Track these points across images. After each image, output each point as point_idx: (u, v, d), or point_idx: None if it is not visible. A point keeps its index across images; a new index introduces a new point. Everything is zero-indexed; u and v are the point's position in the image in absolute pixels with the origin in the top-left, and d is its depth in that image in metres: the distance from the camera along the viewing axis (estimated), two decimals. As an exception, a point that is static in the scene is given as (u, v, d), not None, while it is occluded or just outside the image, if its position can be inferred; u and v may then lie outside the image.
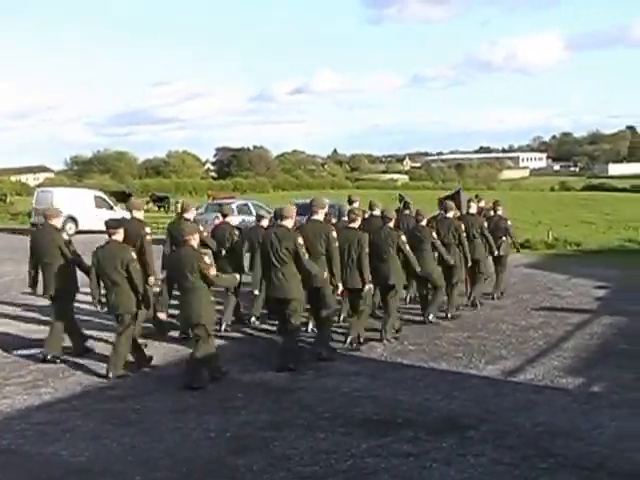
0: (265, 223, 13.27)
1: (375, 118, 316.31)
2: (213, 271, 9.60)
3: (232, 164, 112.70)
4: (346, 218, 12.35)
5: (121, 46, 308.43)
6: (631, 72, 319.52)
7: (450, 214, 14.15)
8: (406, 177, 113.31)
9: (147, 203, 54.62)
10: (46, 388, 9.48)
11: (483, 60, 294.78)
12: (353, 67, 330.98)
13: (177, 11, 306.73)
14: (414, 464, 6.82)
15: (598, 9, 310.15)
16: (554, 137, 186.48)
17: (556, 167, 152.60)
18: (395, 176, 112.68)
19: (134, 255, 10.16)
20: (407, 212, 14.27)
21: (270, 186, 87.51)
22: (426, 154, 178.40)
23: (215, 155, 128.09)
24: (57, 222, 11.26)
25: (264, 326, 12.96)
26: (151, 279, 11.10)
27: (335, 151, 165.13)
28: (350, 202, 13.70)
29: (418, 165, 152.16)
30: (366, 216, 13.08)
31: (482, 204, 16.34)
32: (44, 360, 10.72)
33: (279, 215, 10.96)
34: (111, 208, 36.08)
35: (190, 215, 12.50)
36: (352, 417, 8.21)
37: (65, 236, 11.21)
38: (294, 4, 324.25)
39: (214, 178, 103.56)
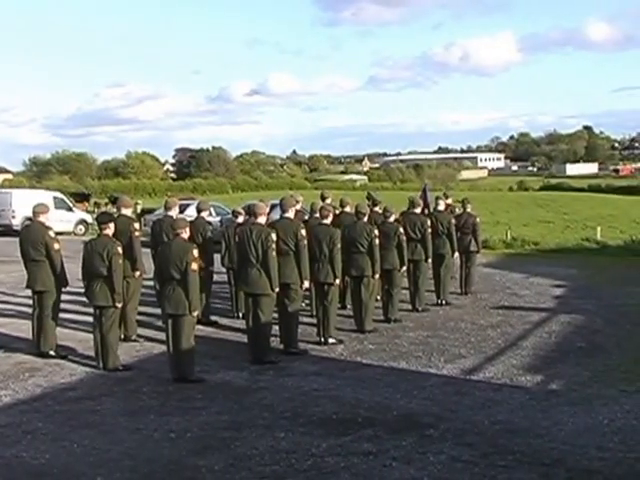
0: (241, 219, 13.51)
1: (332, 120, 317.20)
2: (195, 266, 9.64)
3: (191, 165, 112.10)
4: (317, 215, 12.49)
5: (72, 48, 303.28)
6: (582, 73, 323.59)
7: (417, 210, 14.33)
8: (365, 178, 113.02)
9: (106, 204, 54.30)
10: (6, 390, 9.37)
11: (438, 62, 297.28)
12: (309, 69, 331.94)
13: (127, 11, 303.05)
14: (374, 463, 6.85)
15: (548, 12, 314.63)
16: (512, 137, 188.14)
17: (514, 167, 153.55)
18: (354, 177, 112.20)
19: (119, 250, 10.32)
20: (376, 209, 14.36)
21: (229, 187, 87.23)
22: (384, 155, 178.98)
23: (174, 156, 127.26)
24: (44, 218, 11.24)
25: (225, 322, 13.03)
26: (137, 273, 11.59)
27: (294, 152, 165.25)
28: (323, 199, 14.05)
29: (377, 166, 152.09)
30: (337, 212, 13.50)
31: (449, 201, 16.56)
32: (43, 356, 10.85)
33: (252, 212, 11.19)
34: (70, 209, 35.77)
35: (173, 212, 12.97)
36: (312, 416, 8.22)
37: (52, 233, 11.16)
38: (248, 6, 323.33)
39: (173, 179, 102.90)
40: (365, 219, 12.61)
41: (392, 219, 13.34)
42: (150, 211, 33.27)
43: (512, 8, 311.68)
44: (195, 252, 9.74)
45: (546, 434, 7.63)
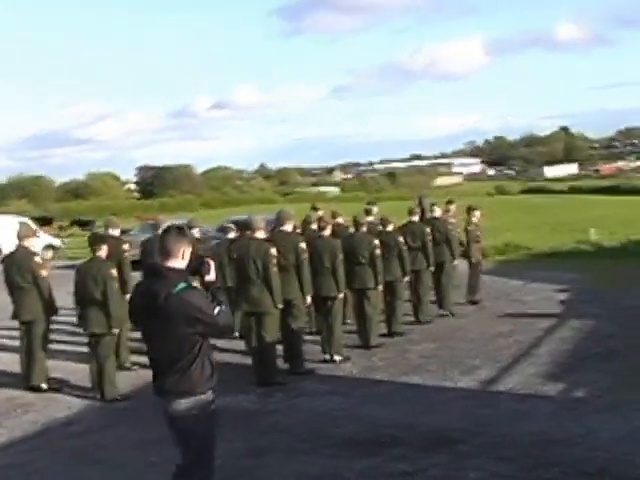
0: (232, 235, 12.95)
1: (300, 131, 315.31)
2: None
3: (155, 183, 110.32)
4: (314, 226, 12.04)
5: (22, 68, 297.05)
6: (554, 74, 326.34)
7: (415, 218, 13.94)
8: (337, 189, 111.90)
9: (71, 226, 53.48)
10: (0, 429, 8.84)
11: (405, 68, 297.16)
12: (273, 81, 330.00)
13: (78, 27, 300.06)
14: (411, 484, 6.40)
15: (514, 15, 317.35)
16: (487, 142, 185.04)
17: (490, 172, 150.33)
18: (326, 188, 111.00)
19: (114, 272, 9.86)
20: (370, 218, 13.85)
21: (198, 204, 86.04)
22: (357, 165, 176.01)
23: (136, 175, 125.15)
24: (29, 243, 10.73)
25: (221, 344, 12.48)
26: (128, 297, 10.65)
27: (262, 165, 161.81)
28: (315, 210, 13.56)
29: (350, 176, 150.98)
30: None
31: (454, 207, 16.15)
32: (34, 390, 10.29)
33: (250, 227, 10.63)
34: (34, 234, 35.05)
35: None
36: (333, 438, 7.76)
37: (38, 259, 10.65)
38: (205, 19, 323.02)
39: (137, 198, 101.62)
40: (364, 229, 12.16)
41: (390, 228, 12.89)
42: (124, 232, 32.52)
43: (478, 12, 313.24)
44: None
45: (583, 443, 7.23)
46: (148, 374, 10.66)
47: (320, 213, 13.54)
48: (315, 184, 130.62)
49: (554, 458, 6.82)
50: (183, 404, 5.13)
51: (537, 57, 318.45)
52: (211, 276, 5.30)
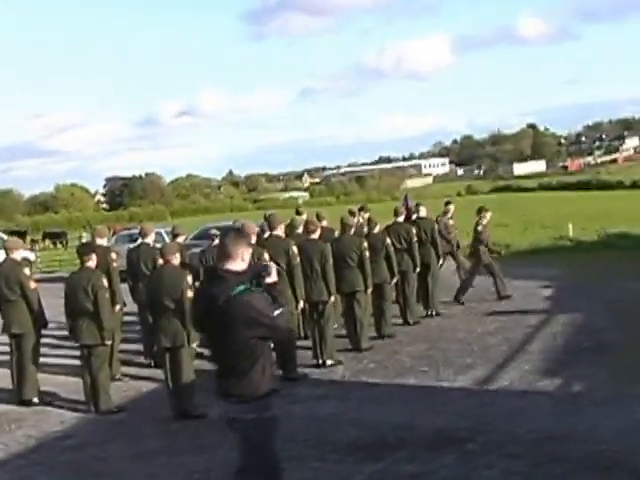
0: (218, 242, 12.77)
1: (267, 136, 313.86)
2: (191, 293, 9.01)
3: (124, 193, 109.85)
4: (300, 230, 11.96)
5: None
6: (519, 70, 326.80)
7: (400, 218, 13.86)
8: (306, 194, 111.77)
9: (43, 240, 52.92)
10: (-6, 445, 8.64)
11: (371, 68, 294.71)
12: (240, 86, 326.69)
13: (37, 35, 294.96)
14: (425, 486, 6.34)
15: (477, 12, 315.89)
16: (455, 141, 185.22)
17: (460, 172, 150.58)
18: (295, 194, 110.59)
19: (105, 282, 9.68)
20: (355, 220, 13.79)
21: (167, 213, 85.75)
22: (324, 169, 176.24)
23: (105, 186, 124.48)
24: (17, 255, 10.57)
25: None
26: (117, 307, 10.79)
27: (230, 172, 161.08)
28: (298, 214, 13.45)
29: (317, 181, 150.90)
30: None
31: (452, 208, 16.25)
32: (26, 404, 10.12)
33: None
34: (22, 246, 34.59)
35: (150, 239, 12.28)
36: (339, 443, 7.67)
37: (27, 271, 10.50)
38: (169, 24, 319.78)
39: (107, 209, 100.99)
40: (352, 232, 12.05)
41: (377, 230, 12.83)
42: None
43: (441, 10, 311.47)
44: (189, 279, 9.14)
45: (589, 438, 7.20)
46: (140, 385, 10.74)
47: (304, 217, 13.41)
48: (284, 190, 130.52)
49: (563, 454, 6.79)
50: (243, 407, 5.07)
51: (502, 53, 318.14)
52: (272, 278, 5.19)
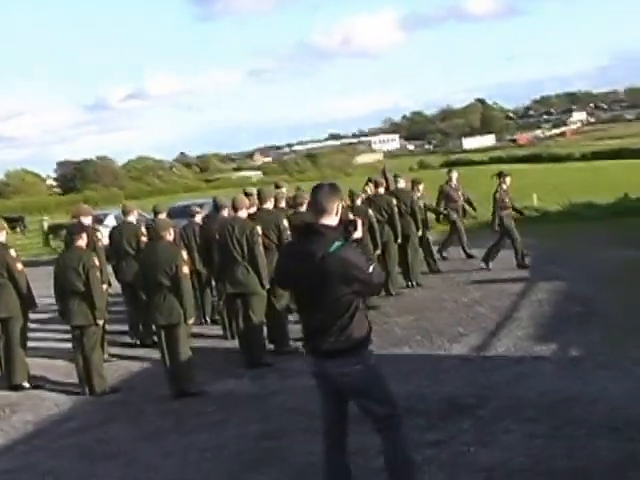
0: (198, 219, 12.64)
1: (217, 117, 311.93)
2: (186, 269, 8.87)
3: (76, 178, 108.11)
4: (284, 204, 11.86)
5: None
6: (468, 46, 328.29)
7: (381, 190, 13.80)
8: (259, 173, 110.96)
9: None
10: (-9, 431, 8.43)
11: (319, 47, 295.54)
12: (187, 67, 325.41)
13: None
14: (451, 451, 6.33)
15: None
16: (405, 117, 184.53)
17: (410, 147, 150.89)
18: (248, 173, 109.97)
19: (96, 261, 9.47)
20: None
21: (122, 196, 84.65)
22: (276, 147, 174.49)
23: (56, 170, 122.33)
24: (2, 237, 10.28)
25: (195, 330, 12.22)
26: (104, 287, 10.47)
27: (182, 154, 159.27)
28: (277, 188, 13.32)
29: (269, 159, 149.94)
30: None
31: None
32: (16, 389, 9.89)
33: (233, 206, 10.31)
34: (4, 228, 33.91)
35: (132, 218, 12.11)
36: (349, 413, 7.59)
37: (13, 252, 10.22)
38: (115, 7, 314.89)
39: (60, 194, 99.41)
40: None
41: (359, 202, 12.76)
42: (60, 227, 31.58)
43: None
44: (184, 254, 9.00)
45: (599, 399, 7.26)
46: (129, 365, 10.59)
47: (284, 190, 13.25)
48: (236, 169, 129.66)
49: (579, 416, 6.81)
50: (349, 361, 4.99)
51: (451, 30, 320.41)
52: (358, 233, 5.08)
